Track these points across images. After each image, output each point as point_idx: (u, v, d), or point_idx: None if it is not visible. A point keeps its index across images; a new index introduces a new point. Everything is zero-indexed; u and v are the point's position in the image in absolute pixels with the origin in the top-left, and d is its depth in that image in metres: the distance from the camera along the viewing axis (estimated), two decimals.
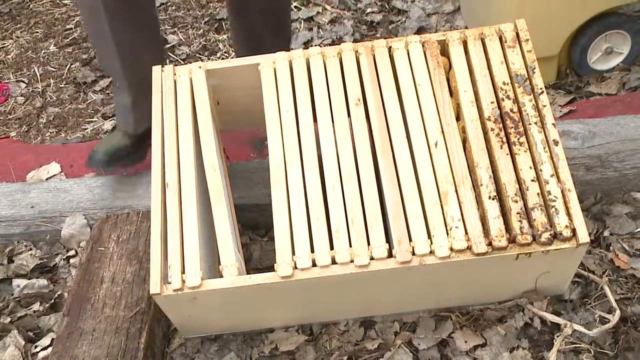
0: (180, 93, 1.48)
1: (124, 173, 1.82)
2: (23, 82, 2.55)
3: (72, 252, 1.73)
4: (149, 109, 1.46)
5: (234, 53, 2.55)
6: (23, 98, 2.48)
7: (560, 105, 1.90)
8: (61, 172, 1.93)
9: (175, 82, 1.50)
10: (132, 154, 1.78)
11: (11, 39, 2.79)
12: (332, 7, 2.70)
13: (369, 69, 1.46)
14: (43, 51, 2.71)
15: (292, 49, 2.33)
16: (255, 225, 1.74)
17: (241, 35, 2.08)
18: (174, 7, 2.86)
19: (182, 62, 2.55)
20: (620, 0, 1.89)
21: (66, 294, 1.64)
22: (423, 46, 1.48)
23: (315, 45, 2.52)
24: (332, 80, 1.46)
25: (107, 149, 1.76)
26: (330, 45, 2.51)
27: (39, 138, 2.30)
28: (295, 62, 1.49)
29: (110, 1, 1.55)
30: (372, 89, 1.44)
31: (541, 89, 1.37)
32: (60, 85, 2.53)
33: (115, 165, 1.76)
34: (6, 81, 2.55)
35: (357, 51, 1.50)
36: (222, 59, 2.56)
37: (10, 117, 2.40)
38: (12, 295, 1.66)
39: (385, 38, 2.53)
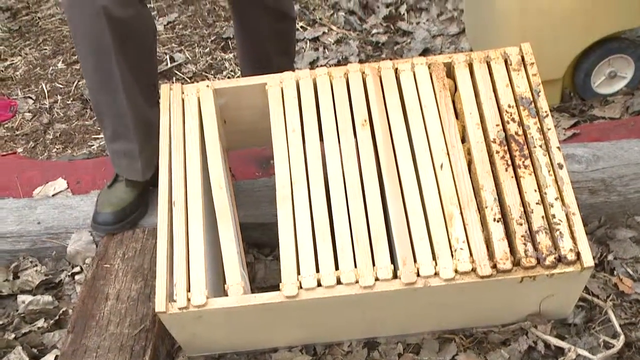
0: (188, 112, 1.49)
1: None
2: (31, 98, 2.57)
3: (77, 269, 1.74)
4: (155, 153, 1.45)
5: (240, 72, 2.57)
6: (30, 114, 2.50)
7: (564, 128, 1.91)
8: (67, 188, 1.94)
9: (183, 100, 1.51)
10: (137, 209, 1.74)
11: (20, 55, 2.82)
12: (338, 27, 2.72)
13: (376, 89, 1.48)
14: (51, 68, 2.73)
15: (297, 68, 2.37)
16: (259, 244, 1.74)
17: (247, 55, 2.10)
18: (181, 26, 2.89)
19: (189, 80, 2.57)
20: (624, 25, 1.90)
21: (71, 310, 1.64)
22: (429, 68, 1.49)
23: (321, 65, 2.54)
24: (339, 100, 1.47)
25: (113, 207, 1.71)
26: (336, 65, 2.53)
27: (45, 154, 2.31)
28: (302, 82, 1.51)
29: (118, 40, 1.54)
30: (378, 109, 1.45)
31: (546, 112, 1.39)
32: (67, 102, 2.55)
33: (121, 224, 1.71)
34: (14, 97, 2.57)
35: (363, 72, 1.51)
36: (229, 77, 2.58)
37: (18, 133, 2.41)
38: (17, 311, 1.66)
39: (390, 59, 2.55)
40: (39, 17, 3.05)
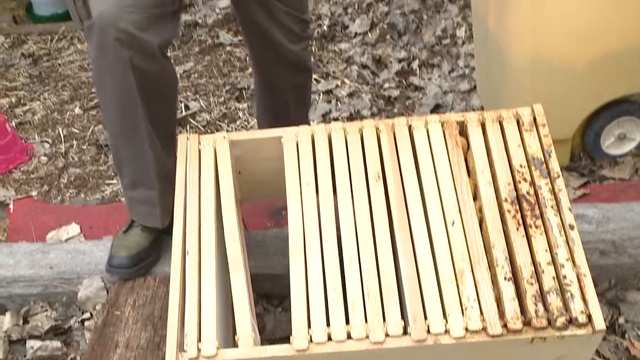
0: (204, 163, 1.52)
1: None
2: (47, 142, 2.62)
3: (87, 315, 1.74)
4: (172, 200, 1.48)
5: (253, 121, 2.62)
6: (46, 158, 2.54)
7: (574, 188, 1.93)
8: (80, 233, 1.96)
9: (199, 151, 1.54)
10: (151, 255, 1.77)
11: (39, 100, 2.88)
12: (351, 80, 2.77)
13: (389, 146, 1.50)
14: (68, 113, 2.78)
15: (310, 120, 2.40)
16: (269, 295, 1.75)
17: (266, 105, 2.16)
18: (196, 75, 2.95)
19: (203, 129, 2.61)
20: (634, 88, 1.94)
21: (79, 357, 1.64)
22: (442, 126, 1.52)
23: (334, 118, 2.58)
24: (353, 155, 1.50)
25: (129, 251, 1.73)
26: (348, 118, 2.57)
27: (59, 198, 2.34)
28: (317, 136, 1.53)
29: (143, 92, 1.59)
30: (391, 165, 1.47)
31: (557, 173, 1.41)
32: (83, 147, 2.59)
33: (136, 268, 1.74)
34: (31, 141, 2.62)
35: (377, 128, 1.53)
36: (242, 126, 2.63)
37: (33, 176, 2.45)
38: (25, 356, 1.66)
39: (402, 113, 2.60)
40: (59, 64, 3.13)
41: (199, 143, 1.55)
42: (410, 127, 1.53)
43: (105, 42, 1.52)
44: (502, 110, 1.52)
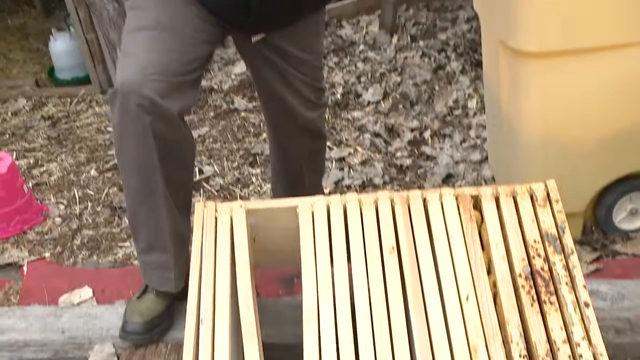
0: (220, 231, 1.54)
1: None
2: (62, 203, 2.65)
3: None
4: (187, 264, 1.50)
5: (266, 186, 2.64)
6: (60, 219, 2.57)
7: (586, 262, 1.93)
8: (93, 296, 1.96)
9: (216, 219, 1.56)
10: (165, 321, 1.77)
11: (56, 162, 2.92)
12: (364, 149, 2.81)
13: (404, 218, 1.52)
14: (84, 175, 2.82)
15: (324, 187, 2.43)
16: None
17: (281, 171, 2.20)
18: (211, 139, 3.00)
19: (216, 193, 2.64)
20: None
21: None
22: (456, 199, 1.54)
23: (346, 185, 2.60)
24: (368, 227, 1.51)
25: (143, 317, 1.74)
26: (360, 186, 2.59)
27: (71, 259, 2.35)
28: (333, 207, 1.55)
29: (163, 158, 1.62)
30: (406, 237, 1.48)
31: (571, 249, 1.41)
32: (97, 209, 2.62)
33: (150, 334, 1.74)
34: (47, 202, 2.65)
35: (392, 200, 1.55)
36: (255, 192, 2.65)
37: (47, 237, 2.47)
38: None
39: (414, 182, 2.63)
40: (77, 126, 3.19)
41: (216, 211, 1.57)
42: (424, 200, 1.55)
43: (127, 108, 1.57)
44: (516, 185, 1.54)
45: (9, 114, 3.36)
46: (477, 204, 1.54)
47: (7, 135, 3.17)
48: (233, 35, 1.84)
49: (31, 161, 2.94)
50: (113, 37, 3.15)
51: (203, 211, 1.57)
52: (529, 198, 1.52)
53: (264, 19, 1.71)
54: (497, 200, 1.53)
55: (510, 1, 1.74)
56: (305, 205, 1.56)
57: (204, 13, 1.68)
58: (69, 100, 3.41)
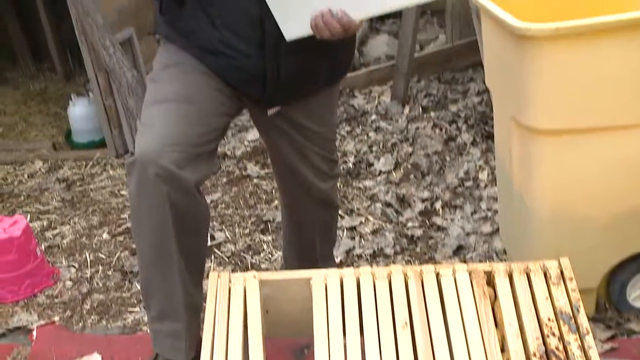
0: (234, 301, 1.54)
1: None
2: (74, 267, 2.66)
3: None
4: (198, 334, 1.50)
5: (277, 254, 2.65)
6: (71, 282, 2.57)
7: (601, 340, 1.91)
8: None
9: (229, 289, 1.56)
10: None
11: (69, 224, 2.95)
12: (375, 218, 2.82)
13: (417, 292, 1.52)
14: (96, 238, 2.84)
15: (335, 256, 2.43)
16: None
17: (292, 240, 2.22)
18: (223, 205, 3.02)
19: (227, 260, 2.64)
20: None
21: None
22: (470, 275, 1.54)
23: (357, 255, 2.60)
24: (381, 300, 1.51)
25: None
26: (371, 255, 2.59)
27: (80, 324, 2.34)
28: (346, 279, 1.56)
29: (178, 226, 1.65)
30: (419, 312, 1.48)
31: (587, 329, 1.40)
32: (108, 273, 2.62)
33: None
34: (58, 265, 2.66)
35: (406, 274, 1.56)
36: (266, 259, 2.65)
37: (57, 300, 2.47)
38: None
39: (424, 253, 2.63)
40: (91, 189, 3.23)
41: (230, 281, 1.58)
42: (437, 275, 1.55)
43: (145, 178, 1.60)
44: (530, 262, 1.55)
45: (25, 176, 3.41)
46: (490, 280, 1.55)
47: (23, 197, 3.21)
48: (249, 107, 1.89)
49: (45, 223, 2.97)
50: (131, 103, 3.22)
51: (217, 281, 1.58)
52: (543, 275, 1.52)
53: (280, 93, 1.76)
54: (510, 276, 1.53)
55: (521, 80, 1.78)
56: (318, 278, 1.56)
57: (222, 85, 1.73)
58: (84, 163, 3.47)
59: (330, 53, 1.75)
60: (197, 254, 1.79)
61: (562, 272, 1.51)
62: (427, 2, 1.61)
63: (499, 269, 1.54)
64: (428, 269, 1.56)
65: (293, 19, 1.60)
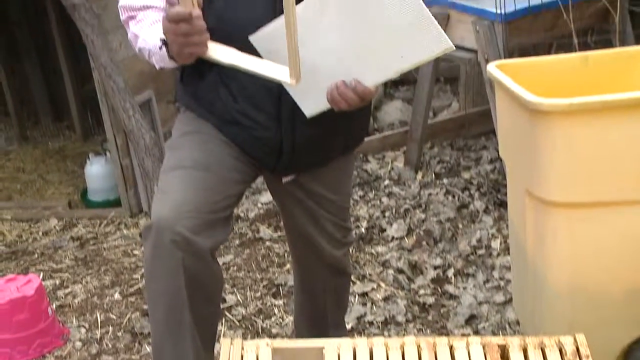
0: None
1: None
2: (84, 327, 2.65)
3: None
4: None
5: (288, 319, 2.63)
6: (81, 343, 2.56)
7: None
8: None
9: (242, 356, 1.56)
10: None
11: (81, 283, 2.96)
12: (387, 284, 2.81)
13: None
14: (107, 298, 2.84)
15: (346, 322, 2.42)
16: None
17: (303, 305, 2.21)
18: (235, 268, 3.03)
19: (238, 324, 2.63)
20: None
21: None
22: (484, 348, 1.53)
23: (368, 321, 2.58)
24: None
25: None
26: (382, 322, 2.57)
27: None
28: (359, 349, 1.55)
29: (191, 292, 1.65)
30: None
31: None
32: (118, 334, 2.61)
33: None
34: (69, 325, 2.65)
35: (419, 345, 1.55)
36: (277, 323, 2.64)
37: None
38: None
39: (436, 321, 2.60)
40: (104, 248, 3.25)
41: (242, 348, 1.57)
42: (451, 348, 1.54)
43: (160, 243, 1.61)
44: (544, 336, 1.53)
45: (40, 233, 3.44)
46: (504, 354, 1.53)
47: (37, 255, 3.23)
48: (264, 174, 1.91)
49: (57, 282, 2.98)
50: (147, 164, 3.27)
51: (229, 348, 1.57)
52: (558, 351, 1.50)
53: (295, 162, 1.79)
54: (525, 351, 1.52)
55: (535, 153, 1.80)
56: (331, 347, 1.56)
57: (239, 154, 1.77)
58: (98, 221, 3.50)
59: (346, 122, 1.78)
60: (210, 321, 1.79)
61: (577, 349, 1.50)
62: (431, 58, 1.55)
63: (514, 343, 1.53)
64: (441, 341, 1.55)
65: (310, 95, 1.64)
